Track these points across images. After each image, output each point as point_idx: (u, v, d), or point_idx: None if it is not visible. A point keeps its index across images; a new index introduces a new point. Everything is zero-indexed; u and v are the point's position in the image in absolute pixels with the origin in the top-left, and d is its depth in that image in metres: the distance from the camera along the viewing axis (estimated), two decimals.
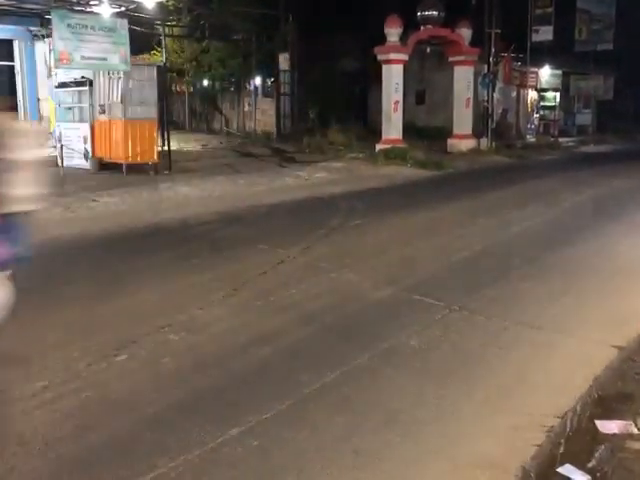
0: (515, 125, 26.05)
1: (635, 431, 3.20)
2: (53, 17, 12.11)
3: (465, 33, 19.73)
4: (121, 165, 13.40)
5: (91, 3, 14.89)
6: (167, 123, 15.62)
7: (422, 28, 18.98)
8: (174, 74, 26.06)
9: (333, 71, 23.89)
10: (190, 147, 19.58)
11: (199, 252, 7.17)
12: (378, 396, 3.68)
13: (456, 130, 20.49)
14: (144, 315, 5.03)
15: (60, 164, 12.59)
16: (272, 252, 7.08)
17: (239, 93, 25.36)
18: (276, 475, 2.92)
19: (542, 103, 27.94)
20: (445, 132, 21.09)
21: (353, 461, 3.00)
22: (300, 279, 6.00)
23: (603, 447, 3.05)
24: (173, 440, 3.19)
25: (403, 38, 18.34)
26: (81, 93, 14.15)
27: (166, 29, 17.86)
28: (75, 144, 13.94)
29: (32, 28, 16.34)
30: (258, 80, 24.59)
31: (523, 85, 25.52)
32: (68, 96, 14.57)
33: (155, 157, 13.85)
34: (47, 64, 15.66)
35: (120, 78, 13.21)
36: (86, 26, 12.25)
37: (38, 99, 16.93)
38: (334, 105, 23.00)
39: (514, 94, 25.73)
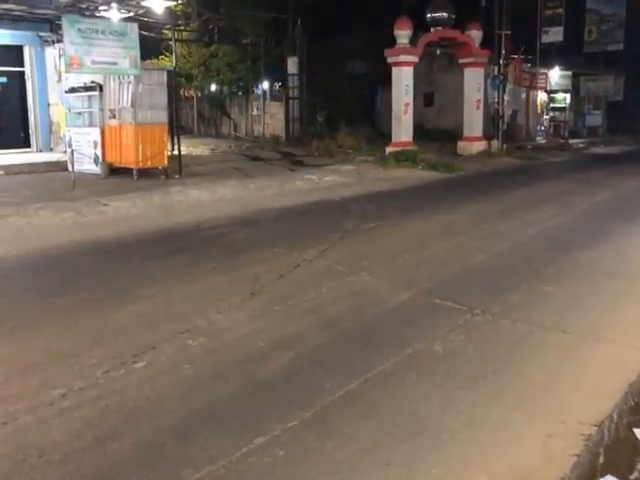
0: (525, 127, 25.92)
1: None
2: (64, 22, 12.07)
3: (475, 35, 19.62)
4: (131, 170, 13.35)
5: (100, 8, 14.91)
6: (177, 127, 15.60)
7: (432, 30, 18.90)
8: (182, 79, 26.07)
9: (341, 74, 23.85)
10: (199, 151, 19.53)
11: (214, 256, 7.09)
12: (405, 403, 3.58)
13: (466, 132, 20.38)
14: (161, 320, 4.95)
15: (71, 169, 12.53)
16: (287, 255, 6.99)
17: (247, 97, 25.32)
18: None
19: (552, 104, 27.77)
20: (454, 134, 21.00)
21: (385, 473, 2.89)
22: (318, 283, 5.90)
23: None
24: (197, 450, 3.09)
25: (413, 40, 18.25)
26: (91, 98, 14.10)
27: (175, 34, 17.77)
28: (85, 149, 13.89)
29: (42, 34, 16.33)
30: (266, 84, 24.54)
31: (532, 87, 25.37)
32: (78, 101, 14.53)
33: (165, 161, 13.80)
34: (57, 69, 15.64)
35: (130, 82, 13.16)
36: (97, 30, 12.20)
37: (48, 104, 16.90)
38: (342, 108, 22.93)
39: (523, 96, 25.60)
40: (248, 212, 9.96)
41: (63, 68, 13.53)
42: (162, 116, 13.65)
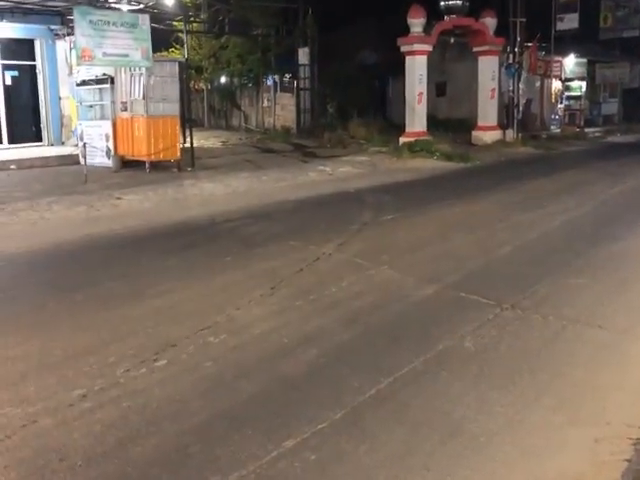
0: (539, 116, 25.58)
1: None
2: (75, 13, 11.93)
3: (489, 22, 19.32)
4: (143, 163, 13.23)
5: (111, 0, 14.77)
6: (188, 120, 15.45)
7: (446, 18, 18.62)
8: (192, 71, 25.88)
9: (352, 64, 23.57)
10: (210, 144, 19.38)
11: (230, 249, 6.94)
12: (438, 404, 3.42)
13: (481, 121, 20.10)
14: (180, 316, 4.81)
15: (82, 162, 12.42)
16: (305, 249, 6.84)
17: (258, 89, 25.10)
18: None
19: (567, 93, 27.37)
20: (467, 124, 20.72)
21: (423, 479, 2.74)
22: (338, 277, 5.74)
23: None
24: (224, 453, 2.95)
25: (426, 29, 17.99)
26: (102, 91, 13.98)
27: (185, 25, 17.58)
28: (97, 142, 13.78)
29: (53, 27, 16.23)
30: (277, 75, 24.31)
31: (547, 75, 25.00)
32: (89, 94, 14.41)
33: (178, 154, 13.67)
34: (68, 62, 15.50)
35: (142, 74, 13.02)
36: (108, 22, 12.05)
37: (60, 98, 16.82)
38: (354, 99, 22.71)
39: (538, 84, 25.25)
40: (262, 205, 9.81)
41: (74, 61, 13.41)
42: (174, 108, 13.52)
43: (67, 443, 3.04)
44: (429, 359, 3.98)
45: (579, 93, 28.07)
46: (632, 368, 3.83)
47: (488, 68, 19.71)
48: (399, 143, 17.76)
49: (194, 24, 23.59)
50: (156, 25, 16.69)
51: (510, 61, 20.65)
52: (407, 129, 18.36)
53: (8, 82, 16.42)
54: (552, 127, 25.41)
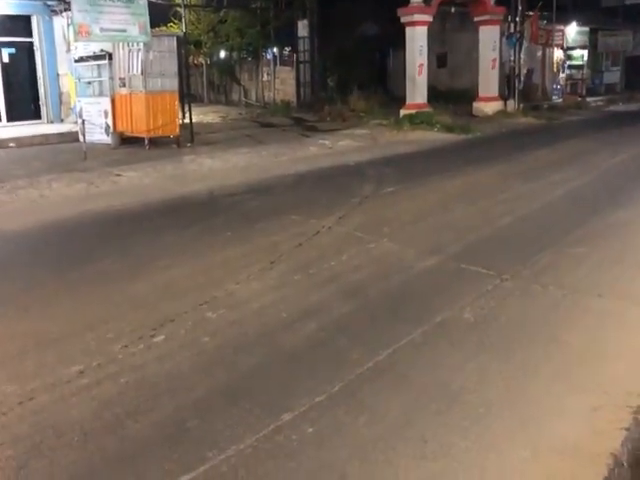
0: (541, 86, 25.31)
1: None
2: None
3: None
4: (142, 139, 13.14)
5: None
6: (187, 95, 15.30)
7: None
8: (191, 46, 25.59)
9: (352, 37, 23.26)
10: (209, 119, 19.23)
11: (230, 224, 6.90)
12: (437, 375, 3.41)
13: (482, 92, 19.91)
14: (179, 292, 4.79)
15: (82, 139, 12.34)
16: (305, 223, 6.80)
17: (257, 63, 24.83)
18: (338, 467, 2.66)
19: (569, 62, 27.05)
20: (468, 95, 20.53)
21: (422, 450, 2.73)
22: (338, 250, 5.71)
23: None
24: (221, 428, 2.94)
25: None
26: (100, 67, 13.82)
27: None
28: (96, 119, 13.67)
29: (50, 2, 16.01)
30: (276, 49, 24.04)
31: (548, 44, 24.68)
32: (88, 70, 14.25)
33: (177, 130, 13.57)
34: (66, 39, 15.31)
35: (140, 50, 12.86)
36: None
37: (58, 75, 16.66)
38: (354, 72, 22.47)
39: (539, 54, 24.94)
40: (262, 179, 9.74)
41: (72, 37, 13.22)
42: (173, 84, 13.38)
43: (64, 419, 3.04)
44: (428, 330, 3.96)
45: (581, 62, 27.74)
46: (631, 336, 3.81)
47: (489, 38, 19.46)
48: (400, 115, 17.61)
49: None
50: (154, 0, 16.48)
51: (511, 31, 20.40)
52: (408, 101, 18.19)
53: (5, 59, 16.25)
54: (554, 97, 25.15)
